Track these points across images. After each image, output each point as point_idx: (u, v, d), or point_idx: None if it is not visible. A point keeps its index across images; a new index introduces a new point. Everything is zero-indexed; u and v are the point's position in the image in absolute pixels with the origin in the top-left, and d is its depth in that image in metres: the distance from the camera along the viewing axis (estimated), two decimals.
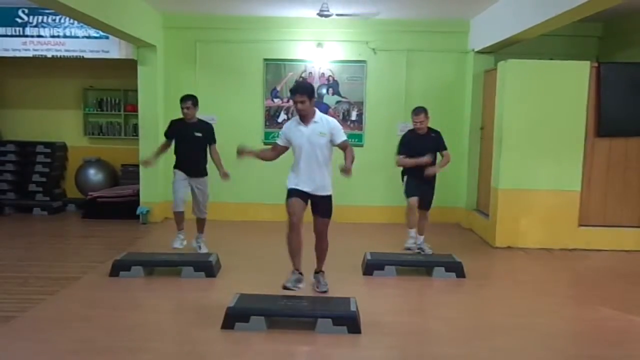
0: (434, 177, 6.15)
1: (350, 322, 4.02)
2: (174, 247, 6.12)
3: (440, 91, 8.16)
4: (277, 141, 4.88)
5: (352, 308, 4.14)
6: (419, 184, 6.09)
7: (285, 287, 4.68)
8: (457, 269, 5.50)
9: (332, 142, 4.65)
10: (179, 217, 6.14)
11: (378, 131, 8.16)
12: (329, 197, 4.80)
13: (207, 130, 6.08)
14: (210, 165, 6.17)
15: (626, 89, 6.65)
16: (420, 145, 6.06)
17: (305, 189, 4.68)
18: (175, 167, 6.11)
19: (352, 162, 4.57)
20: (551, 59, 6.93)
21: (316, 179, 4.68)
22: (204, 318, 4.25)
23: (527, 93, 6.68)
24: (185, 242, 6.21)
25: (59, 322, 4.17)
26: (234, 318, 4.03)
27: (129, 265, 5.32)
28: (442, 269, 5.49)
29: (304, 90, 4.53)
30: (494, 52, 7.68)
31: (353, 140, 8.27)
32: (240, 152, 4.76)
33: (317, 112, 4.67)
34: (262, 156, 4.98)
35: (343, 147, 4.67)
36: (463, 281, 5.42)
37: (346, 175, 4.51)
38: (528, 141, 6.69)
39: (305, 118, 4.59)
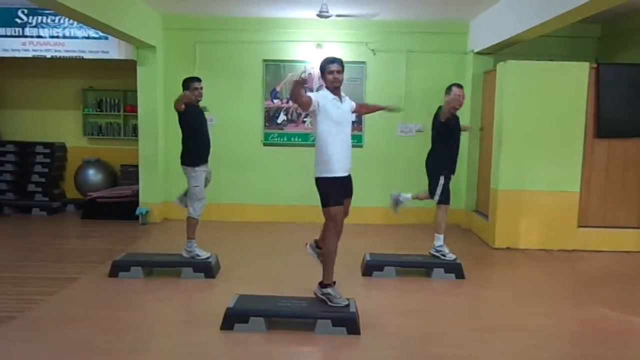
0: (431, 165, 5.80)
1: (349, 323, 4.02)
2: (202, 255, 5.52)
3: (440, 92, 8.05)
4: (310, 95, 4.26)
5: (352, 309, 4.14)
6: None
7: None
8: (456, 270, 5.50)
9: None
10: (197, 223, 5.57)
11: (377, 132, 8.16)
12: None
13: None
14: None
15: (625, 89, 6.66)
16: (458, 128, 5.83)
17: (346, 173, 4.32)
18: (199, 161, 5.46)
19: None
20: (550, 60, 6.93)
21: (349, 157, 4.35)
22: (203, 319, 4.25)
23: (527, 94, 6.68)
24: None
25: (58, 323, 4.17)
26: (233, 319, 4.04)
27: (128, 266, 5.32)
28: (442, 270, 5.50)
29: (341, 62, 4.32)
30: (494, 53, 7.69)
31: (353, 141, 8.23)
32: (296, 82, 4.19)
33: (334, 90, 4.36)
34: (299, 91, 4.12)
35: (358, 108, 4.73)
36: (462, 282, 5.43)
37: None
38: (527, 142, 6.69)
39: (338, 93, 4.34)
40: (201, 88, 5.53)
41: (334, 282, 4.30)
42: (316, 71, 8.19)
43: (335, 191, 4.20)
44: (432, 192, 5.69)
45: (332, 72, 4.25)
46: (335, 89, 4.30)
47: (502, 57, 7.12)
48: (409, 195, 5.93)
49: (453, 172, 5.73)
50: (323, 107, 4.20)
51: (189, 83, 5.48)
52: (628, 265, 6.36)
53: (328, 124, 4.21)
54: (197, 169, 5.46)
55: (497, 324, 4.40)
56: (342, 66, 4.32)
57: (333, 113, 4.22)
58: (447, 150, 5.69)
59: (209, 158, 5.61)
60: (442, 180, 5.60)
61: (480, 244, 7.17)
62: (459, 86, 5.70)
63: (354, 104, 4.56)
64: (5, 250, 6.44)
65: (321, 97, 4.27)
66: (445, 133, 5.67)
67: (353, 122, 8.06)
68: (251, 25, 8.06)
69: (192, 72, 8.13)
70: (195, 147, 5.49)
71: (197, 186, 5.48)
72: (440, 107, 5.81)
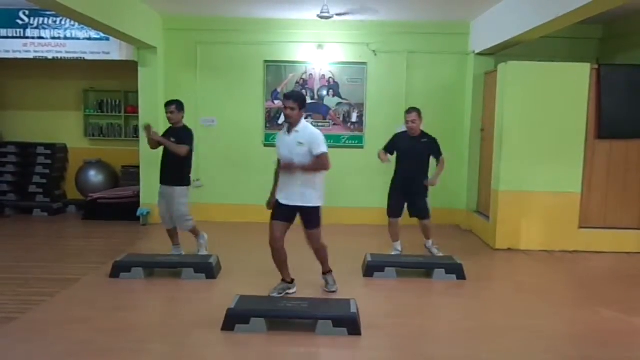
0: (419, 185, 5.93)
1: (350, 324, 4.02)
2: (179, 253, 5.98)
3: (441, 93, 8.17)
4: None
5: (353, 310, 4.14)
6: (402, 199, 5.99)
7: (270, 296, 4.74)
8: (457, 271, 5.50)
9: (310, 153, 4.55)
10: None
11: (379, 133, 8.11)
12: (313, 209, 4.66)
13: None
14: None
15: (626, 90, 6.66)
16: (409, 147, 5.89)
17: (287, 202, 4.63)
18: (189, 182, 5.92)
19: (315, 169, 4.57)
20: (552, 61, 6.93)
21: (296, 190, 4.58)
22: (204, 320, 4.25)
23: (528, 95, 6.68)
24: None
25: (59, 324, 4.17)
26: (234, 320, 4.03)
27: (129, 267, 5.32)
28: (443, 270, 5.49)
29: (297, 98, 4.60)
30: (495, 54, 7.69)
31: (354, 142, 8.30)
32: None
33: (303, 123, 4.67)
34: (276, 182, 4.84)
35: (317, 158, 4.58)
36: (463, 283, 5.42)
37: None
38: (528, 143, 6.69)
39: (291, 126, 4.64)
40: (170, 112, 5.80)
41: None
42: (317, 72, 8.22)
43: (274, 211, 4.70)
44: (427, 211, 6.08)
45: (285, 108, 4.58)
46: (288, 124, 4.67)
47: (503, 58, 7.11)
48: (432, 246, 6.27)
49: (396, 188, 6.12)
50: (277, 146, 4.76)
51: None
52: (629, 266, 6.35)
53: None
54: (189, 188, 5.93)
55: (498, 325, 4.40)
56: (300, 101, 4.59)
57: (279, 149, 4.70)
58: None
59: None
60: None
61: (481, 244, 7.17)
62: (407, 111, 5.97)
63: (312, 139, 4.56)
64: (6, 251, 6.44)
65: (277, 138, 4.85)
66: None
67: (354, 122, 8.26)
68: (252, 26, 8.07)
69: (194, 73, 8.19)
70: (189, 166, 5.92)
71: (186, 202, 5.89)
72: (394, 135, 6.17)
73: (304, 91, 8.23)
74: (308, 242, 4.82)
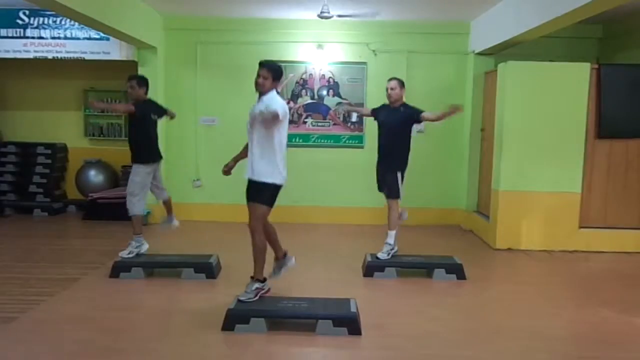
0: (394, 158, 5.64)
1: (350, 324, 4.02)
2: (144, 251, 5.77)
3: (441, 93, 8.16)
4: None
5: (353, 309, 4.14)
6: (379, 175, 5.85)
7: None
8: (457, 271, 5.50)
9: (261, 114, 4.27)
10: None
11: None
12: (261, 184, 4.51)
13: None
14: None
15: (626, 90, 6.66)
16: (386, 117, 5.67)
17: (247, 176, 4.56)
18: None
19: (270, 116, 4.21)
20: (551, 61, 6.93)
21: (252, 161, 4.49)
22: (204, 320, 4.25)
23: (528, 95, 6.68)
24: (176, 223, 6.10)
25: (59, 324, 4.17)
26: (234, 320, 4.04)
27: (129, 267, 5.33)
28: (443, 270, 5.49)
29: (270, 68, 4.38)
30: (495, 53, 7.69)
31: (354, 141, 8.30)
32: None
33: (273, 93, 4.41)
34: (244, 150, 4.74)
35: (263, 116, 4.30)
36: (464, 283, 5.42)
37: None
38: (528, 143, 6.69)
39: (260, 95, 4.41)
40: (130, 87, 5.58)
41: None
42: (317, 72, 8.22)
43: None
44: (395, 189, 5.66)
45: (258, 76, 4.37)
46: (258, 92, 4.43)
47: (503, 58, 7.11)
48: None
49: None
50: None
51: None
52: (629, 266, 6.35)
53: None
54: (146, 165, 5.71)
55: (498, 325, 4.40)
56: (273, 71, 4.37)
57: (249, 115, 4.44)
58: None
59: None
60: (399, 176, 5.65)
61: (481, 244, 7.17)
62: (389, 80, 5.73)
63: (269, 101, 4.31)
64: (6, 251, 6.44)
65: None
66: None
67: (354, 122, 8.26)
68: (252, 26, 8.07)
69: (194, 72, 8.19)
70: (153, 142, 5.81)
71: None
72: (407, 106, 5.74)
73: (304, 91, 8.24)
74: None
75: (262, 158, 4.43)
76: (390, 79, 5.75)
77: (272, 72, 4.36)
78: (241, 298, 4.32)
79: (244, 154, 4.72)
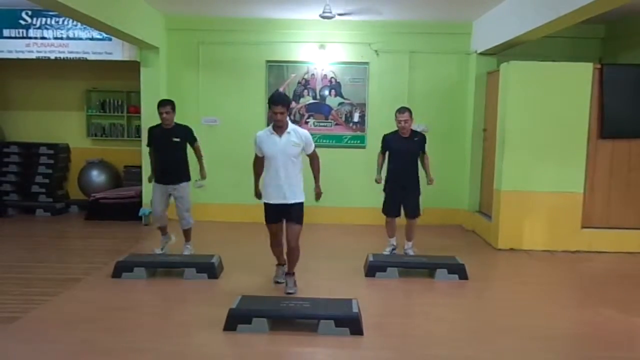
0: (414, 183, 6.03)
1: (352, 324, 4.02)
2: (157, 251, 6.06)
3: (443, 93, 8.17)
4: (256, 152, 4.93)
5: (354, 309, 4.14)
6: (398, 198, 6.06)
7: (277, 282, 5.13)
8: (459, 271, 5.49)
9: (304, 151, 4.85)
10: (163, 229, 6.16)
11: (380, 133, 7.99)
12: (301, 204, 4.89)
13: (185, 133, 5.98)
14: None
15: (629, 90, 6.64)
16: (402, 147, 5.96)
17: (279, 201, 4.82)
18: (156, 180, 5.98)
19: (319, 169, 5.03)
20: (554, 61, 6.92)
21: (290, 187, 4.79)
22: (206, 319, 4.25)
23: (530, 95, 6.67)
24: (173, 239, 6.22)
25: (61, 323, 4.18)
26: (236, 320, 4.04)
27: (131, 267, 5.33)
28: (445, 270, 5.49)
29: (284, 101, 4.71)
30: (497, 53, 7.68)
31: (355, 142, 8.30)
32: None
33: (291, 124, 4.85)
34: (259, 176, 5.07)
35: (312, 156, 4.96)
36: (466, 283, 5.42)
37: (317, 199, 5.06)
38: (531, 143, 6.68)
39: (280, 129, 4.74)
40: (166, 113, 5.79)
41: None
42: (319, 72, 8.22)
43: (267, 214, 4.92)
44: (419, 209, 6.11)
45: (275, 114, 4.64)
46: (276, 127, 4.75)
47: (505, 58, 7.10)
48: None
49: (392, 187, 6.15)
50: (259, 145, 4.79)
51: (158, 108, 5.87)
52: (632, 266, 6.33)
53: (265, 157, 4.81)
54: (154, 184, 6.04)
55: (500, 325, 4.39)
56: (287, 103, 4.74)
57: (266, 150, 4.75)
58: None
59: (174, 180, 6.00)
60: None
61: (483, 244, 7.16)
62: (400, 111, 5.98)
63: (307, 140, 4.85)
64: (9, 250, 6.45)
65: (260, 138, 4.81)
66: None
67: (356, 122, 8.26)
68: (254, 26, 8.08)
69: (196, 72, 8.20)
70: (155, 163, 6.07)
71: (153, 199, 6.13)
72: (384, 136, 6.21)
73: (306, 91, 8.24)
74: (289, 238, 4.89)
75: (299, 182, 4.88)
76: (402, 111, 5.94)
77: (287, 106, 4.74)
78: (289, 291, 4.84)
79: (259, 178, 5.08)
